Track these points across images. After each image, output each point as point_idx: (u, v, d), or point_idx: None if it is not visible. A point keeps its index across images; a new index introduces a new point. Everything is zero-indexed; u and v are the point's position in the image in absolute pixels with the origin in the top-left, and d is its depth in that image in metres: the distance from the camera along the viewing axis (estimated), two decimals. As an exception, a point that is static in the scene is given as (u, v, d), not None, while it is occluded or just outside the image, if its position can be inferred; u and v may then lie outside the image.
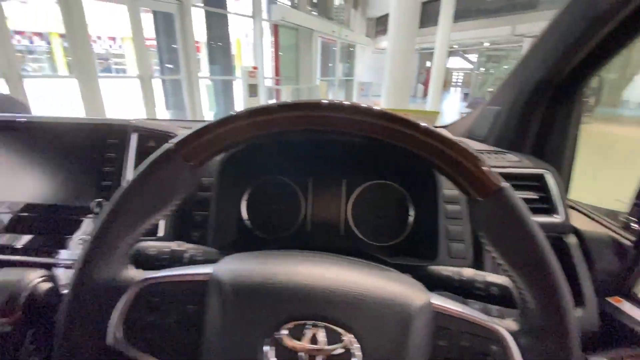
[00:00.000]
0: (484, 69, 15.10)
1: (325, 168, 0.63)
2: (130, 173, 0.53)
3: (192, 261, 0.42)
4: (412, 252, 0.57)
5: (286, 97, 7.30)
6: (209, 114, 7.01)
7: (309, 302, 0.26)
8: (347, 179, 0.63)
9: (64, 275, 0.53)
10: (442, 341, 0.28)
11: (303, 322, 0.26)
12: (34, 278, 0.40)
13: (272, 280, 0.27)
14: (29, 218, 0.54)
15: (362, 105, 0.28)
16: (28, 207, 0.54)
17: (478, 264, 0.53)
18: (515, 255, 0.27)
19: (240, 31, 8.10)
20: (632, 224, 0.58)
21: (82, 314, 0.28)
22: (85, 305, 0.28)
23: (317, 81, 9.19)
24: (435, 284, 0.42)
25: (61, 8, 3.77)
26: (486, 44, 13.26)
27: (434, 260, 0.52)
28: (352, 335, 0.25)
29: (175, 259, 0.41)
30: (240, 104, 6.94)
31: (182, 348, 0.28)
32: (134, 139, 0.54)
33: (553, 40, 0.58)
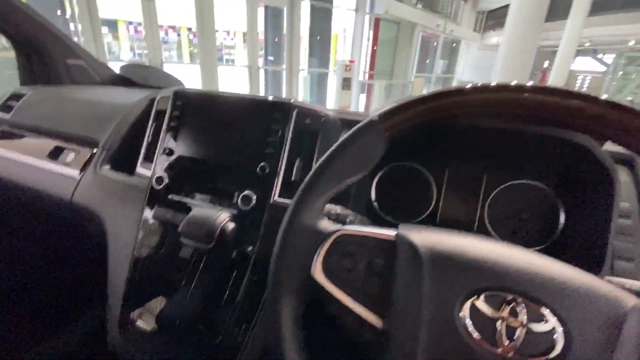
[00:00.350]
0: (622, 73, 12.43)
1: (466, 160, 0.61)
2: (288, 144, 0.61)
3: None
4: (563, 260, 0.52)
5: (378, 92, 7.23)
6: (303, 104, 7.39)
7: (512, 276, 0.27)
8: (489, 175, 0.60)
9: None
10: None
11: (504, 294, 0.26)
12: (225, 218, 0.50)
13: (467, 249, 0.29)
14: (206, 173, 0.66)
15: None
16: (206, 164, 0.66)
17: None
18: None
19: (339, 25, 8.26)
20: None
21: (291, 249, 0.34)
22: (294, 243, 0.34)
23: (412, 77, 8.84)
24: None
25: (195, 5, 4.42)
26: (631, 43, 10.84)
27: (596, 273, 0.46)
28: (555, 318, 0.25)
29: (340, 220, 0.46)
30: (331, 96, 7.15)
31: (369, 292, 0.32)
32: (294, 115, 0.62)
33: None
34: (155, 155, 0.70)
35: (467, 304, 0.27)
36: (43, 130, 0.90)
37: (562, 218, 0.55)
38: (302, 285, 0.34)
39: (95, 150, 0.80)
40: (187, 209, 0.64)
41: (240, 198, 0.60)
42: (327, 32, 7.82)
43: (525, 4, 4.31)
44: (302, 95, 7.08)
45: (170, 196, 0.66)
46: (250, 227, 0.60)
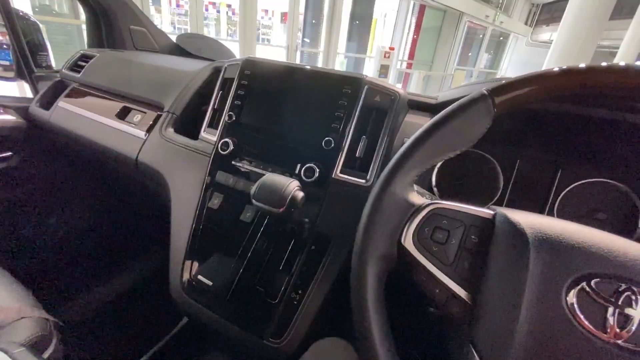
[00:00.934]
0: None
1: (539, 152, 0.59)
2: (355, 121, 0.61)
3: None
4: None
5: (416, 83, 7.00)
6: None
7: (628, 265, 0.26)
8: (563, 170, 0.57)
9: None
10: None
11: (617, 283, 0.26)
12: (295, 186, 0.51)
13: (576, 234, 0.28)
14: (272, 143, 0.67)
15: None
16: (272, 134, 0.67)
17: None
18: None
19: (379, 10, 7.99)
20: None
21: (381, 215, 0.34)
22: (384, 210, 0.34)
23: (453, 70, 8.47)
24: None
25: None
26: None
27: None
28: None
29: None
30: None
31: (461, 269, 0.32)
32: (364, 92, 0.61)
33: None
34: (221, 122, 0.72)
35: (576, 289, 0.26)
36: (111, 90, 0.95)
37: (642, 221, 0.52)
38: (389, 252, 0.34)
39: (160, 113, 0.83)
40: (249, 175, 0.66)
41: (303, 170, 0.61)
42: (368, 17, 7.61)
43: (589, -4, 3.97)
44: (336, 80, 6.98)
45: (233, 162, 0.68)
46: (311, 199, 0.61)
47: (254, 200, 0.50)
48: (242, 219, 0.64)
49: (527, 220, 0.30)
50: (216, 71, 0.84)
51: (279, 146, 0.66)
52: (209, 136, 0.73)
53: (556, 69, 0.30)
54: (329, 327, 0.60)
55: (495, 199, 0.61)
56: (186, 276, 0.65)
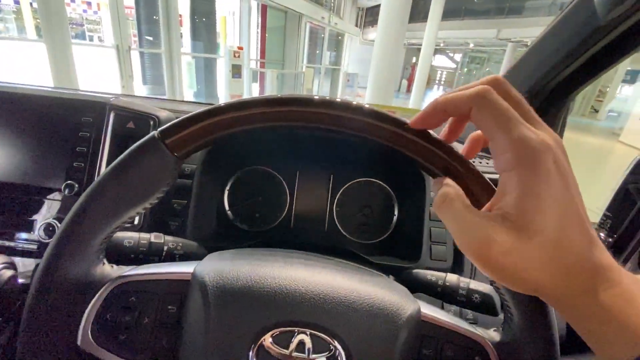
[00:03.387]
0: (466, 69, 15.42)
1: (313, 161, 0.62)
2: (106, 155, 0.50)
3: (171, 255, 0.40)
4: (394, 251, 0.57)
5: (270, 81, 7.14)
6: (188, 92, 6.74)
7: (296, 308, 0.25)
8: (335, 174, 0.62)
9: (26, 262, 0.49)
10: (427, 350, 0.28)
11: (290, 329, 0.25)
12: (-7, 266, 0.37)
13: (258, 284, 0.26)
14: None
15: (352, 102, 0.27)
16: None
17: (457, 267, 0.54)
18: None
19: (226, 8, 7.77)
20: (600, 234, 0.61)
21: (49, 312, 0.26)
22: (53, 303, 0.26)
23: (303, 67, 9.03)
24: (417, 287, 0.42)
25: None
26: (471, 45, 13.50)
27: (416, 261, 0.52)
28: (339, 344, 0.25)
29: (153, 252, 0.39)
30: (222, 84, 6.72)
31: (158, 350, 0.26)
32: (111, 119, 0.50)
33: (547, 48, 0.58)
34: None
35: (256, 346, 0.24)
36: None
37: (396, 211, 0.61)
38: (68, 358, 0.26)
39: None
40: None
41: (41, 228, 0.47)
42: (211, 14, 7.23)
43: (391, 4, 4.84)
44: (186, 82, 6.44)
45: None
46: None
47: None
48: None
49: (217, 274, 0.27)
50: None
51: (2, 202, 0.49)
52: None
53: (208, 108, 0.27)
54: None
55: (285, 213, 0.62)
56: None
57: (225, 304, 0.25)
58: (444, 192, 0.21)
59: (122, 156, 0.27)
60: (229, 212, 0.61)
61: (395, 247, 0.59)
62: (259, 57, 8.19)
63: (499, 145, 0.19)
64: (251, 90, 7.14)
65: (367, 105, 0.26)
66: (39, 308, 0.25)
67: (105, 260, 0.29)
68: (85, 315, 0.26)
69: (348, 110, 0.26)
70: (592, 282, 0.17)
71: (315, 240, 0.61)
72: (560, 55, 0.55)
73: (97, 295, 0.27)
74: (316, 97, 0.27)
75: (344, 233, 0.62)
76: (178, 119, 0.27)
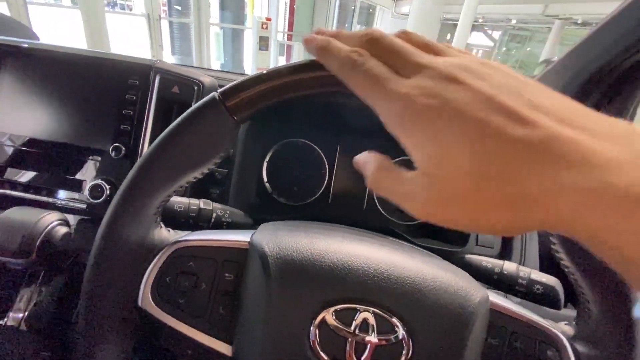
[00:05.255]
0: (505, 48, 14.39)
1: (356, 136, 0.59)
2: (151, 119, 0.49)
3: (219, 222, 0.39)
4: (438, 235, 0.55)
5: (297, 55, 6.98)
6: (215, 64, 6.73)
7: (359, 285, 0.24)
8: (379, 151, 0.59)
9: (74, 221, 0.51)
10: (494, 339, 0.26)
11: (353, 306, 0.24)
12: (52, 221, 0.38)
13: (319, 258, 0.25)
14: (39, 154, 0.50)
15: None
16: (38, 143, 0.50)
17: (505, 255, 0.51)
18: (583, 256, 0.25)
19: (255, -23, 7.54)
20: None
21: (111, 271, 0.26)
22: (115, 263, 0.26)
23: (332, 41, 8.74)
24: (469, 274, 0.40)
25: None
26: (513, 21, 12.50)
27: (462, 246, 0.50)
28: (404, 327, 0.23)
29: (202, 218, 0.38)
30: (249, 57, 6.64)
31: (215, 317, 0.26)
32: (157, 82, 0.50)
33: (624, 25, 0.51)
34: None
35: (317, 322, 0.23)
36: None
37: (440, 192, 0.58)
38: (127, 320, 0.26)
39: None
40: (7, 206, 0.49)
41: (88, 189, 0.47)
42: (240, -18, 7.06)
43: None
44: (214, 53, 6.42)
45: None
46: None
47: None
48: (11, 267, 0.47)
49: (277, 244, 0.26)
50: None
51: (53, 160, 0.50)
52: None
53: (287, 65, 0.25)
54: None
55: (323, 188, 0.60)
56: None
57: (286, 276, 0.24)
58: (365, 163, 0.21)
59: (181, 117, 0.26)
60: (267, 184, 0.61)
61: (440, 230, 0.56)
62: (286, 30, 7.99)
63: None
64: (277, 63, 7.03)
65: None
66: (101, 267, 0.25)
67: (162, 224, 0.29)
68: (145, 276, 0.26)
69: None
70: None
71: (353, 218, 0.60)
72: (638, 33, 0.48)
73: (156, 257, 0.27)
74: None
75: (383, 212, 0.60)
76: (239, 80, 0.26)
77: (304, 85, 0.24)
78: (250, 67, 6.56)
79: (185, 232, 0.29)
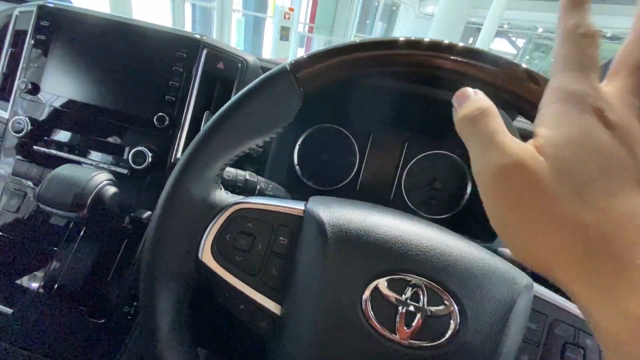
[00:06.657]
0: (528, 57, 14.05)
1: (388, 126, 0.59)
2: (195, 92, 0.51)
3: (262, 194, 0.41)
4: (465, 230, 0.55)
5: (317, 47, 6.94)
6: (235, 51, 6.74)
7: (411, 258, 0.25)
8: (410, 143, 0.60)
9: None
10: (535, 325, 0.27)
11: (406, 276, 0.25)
12: (101, 180, 0.40)
13: (372, 229, 0.26)
14: (84, 118, 0.52)
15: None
16: (85, 107, 0.52)
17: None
18: None
19: (281, -35, 7.49)
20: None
21: (175, 225, 0.27)
22: (179, 218, 0.27)
23: (352, 36, 8.68)
24: None
25: None
26: (540, 30, 12.20)
27: (490, 242, 0.50)
28: (454, 301, 0.24)
29: (247, 189, 0.40)
30: (268, 46, 6.63)
31: (268, 276, 0.28)
32: (203, 56, 0.51)
33: None
34: (13, 93, 0.53)
35: (370, 288, 0.24)
36: None
37: (469, 188, 0.58)
38: (186, 270, 0.28)
39: None
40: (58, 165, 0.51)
41: (131, 154, 0.49)
42: (264, -31, 7.04)
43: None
44: (234, 40, 6.43)
45: (36, 147, 0.51)
46: (147, 189, 0.50)
47: (39, 203, 0.37)
48: (54, 223, 0.50)
49: (332, 214, 0.27)
50: (7, 20, 0.61)
51: (99, 125, 0.52)
52: (-4, 111, 0.53)
53: (357, 40, 0.26)
54: None
55: (352, 175, 0.61)
56: None
57: (342, 243, 0.25)
58: (482, 104, 0.18)
59: (252, 84, 0.27)
60: (297, 167, 0.62)
61: (467, 225, 0.57)
62: (308, 21, 7.94)
63: None
64: (297, 55, 7.00)
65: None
66: (167, 217, 0.27)
67: (222, 186, 0.30)
68: (206, 232, 0.28)
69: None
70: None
71: None
72: None
73: (218, 215, 0.28)
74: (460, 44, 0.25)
75: (410, 205, 0.60)
76: (311, 52, 0.26)
77: (376, 62, 0.25)
78: (269, 56, 6.56)
79: (242, 197, 0.31)
